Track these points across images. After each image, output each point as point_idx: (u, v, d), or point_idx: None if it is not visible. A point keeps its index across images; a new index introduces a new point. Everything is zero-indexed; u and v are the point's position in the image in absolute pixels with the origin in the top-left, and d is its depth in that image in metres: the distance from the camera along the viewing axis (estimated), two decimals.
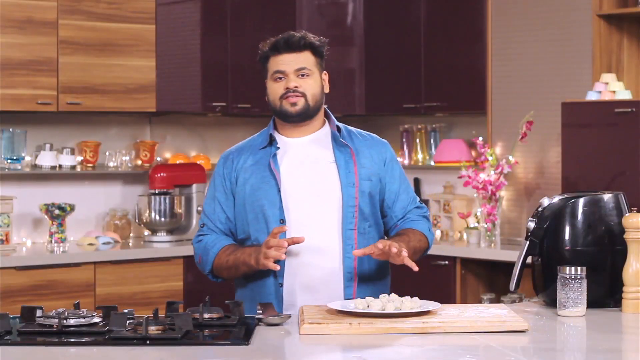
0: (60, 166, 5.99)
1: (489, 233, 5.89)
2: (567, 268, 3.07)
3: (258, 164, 3.29)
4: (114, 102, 5.95)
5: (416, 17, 6.37)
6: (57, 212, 5.90)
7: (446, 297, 5.84)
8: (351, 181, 3.25)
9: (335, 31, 6.56)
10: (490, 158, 5.92)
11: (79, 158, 6.12)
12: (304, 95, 3.25)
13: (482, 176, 5.90)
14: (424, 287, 5.95)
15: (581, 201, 3.26)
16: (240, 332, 2.77)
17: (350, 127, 3.41)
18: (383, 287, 3.34)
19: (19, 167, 5.86)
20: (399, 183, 3.37)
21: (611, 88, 5.38)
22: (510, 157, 5.87)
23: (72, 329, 2.77)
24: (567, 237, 3.24)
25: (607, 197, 3.29)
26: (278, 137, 3.33)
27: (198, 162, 6.40)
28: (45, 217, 5.94)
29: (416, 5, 6.36)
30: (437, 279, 5.94)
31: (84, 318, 2.81)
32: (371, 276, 3.29)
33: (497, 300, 5.85)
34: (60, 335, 2.73)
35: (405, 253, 3.09)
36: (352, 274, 3.23)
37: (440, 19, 6.29)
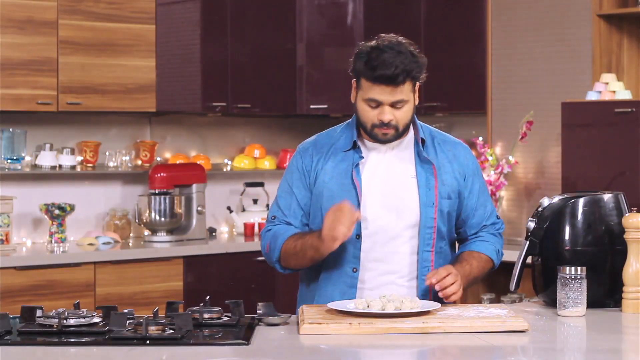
0: (60, 166, 5.99)
1: None
2: (567, 268, 3.07)
3: (339, 168, 3.18)
4: (114, 102, 5.95)
5: (416, 17, 6.36)
6: (57, 212, 5.90)
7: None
8: (431, 201, 3.16)
9: (335, 31, 6.56)
10: (490, 158, 5.92)
11: (79, 158, 6.12)
12: (396, 127, 3.12)
13: None
14: None
15: (581, 201, 3.26)
16: (240, 332, 2.78)
17: (434, 132, 3.28)
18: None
19: (19, 167, 5.86)
20: (476, 197, 3.26)
21: (611, 88, 5.38)
22: (510, 157, 5.87)
23: (72, 329, 2.77)
24: (567, 237, 3.24)
25: (607, 197, 3.29)
26: (361, 143, 3.20)
27: (198, 162, 6.40)
28: (45, 217, 5.94)
29: (416, 5, 6.36)
30: None
31: (84, 318, 2.81)
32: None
33: (497, 300, 5.85)
34: (60, 335, 2.74)
35: (455, 297, 3.04)
36: (427, 297, 3.16)
37: (440, 19, 6.29)
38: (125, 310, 2.90)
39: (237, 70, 6.31)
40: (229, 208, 6.59)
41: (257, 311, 2.95)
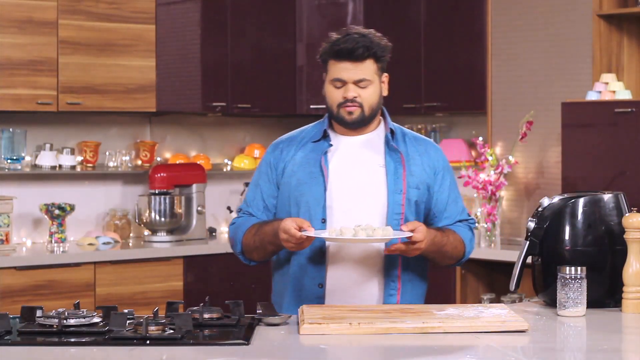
0: (60, 166, 5.99)
1: (489, 233, 5.89)
2: (567, 268, 3.07)
3: (308, 157, 3.27)
4: (114, 102, 5.95)
5: (416, 17, 6.36)
6: (57, 212, 5.90)
7: (446, 297, 5.84)
8: (399, 188, 3.22)
9: (335, 31, 6.55)
10: (490, 158, 5.92)
11: (79, 158, 6.12)
12: (361, 105, 3.22)
13: (482, 176, 5.90)
14: None
15: (581, 201, 3.26)
16: (240, 332, 2.78)
17: (405, 130, 3.36)
18: (421, 294, 3.33)
19: (19, 167, 5.86)
20: (447, 193, 3.32)
21: (611, 88, 5.38)
22: (510, 157, 5.87)
23: (72, 329, 2.77)
24: (567, 237, 3.24)
25: (607, 197, 3.28)
26: (332, 133, 3.30)
27: (198, 162, 6.40)
28: (45, 217, 5.94)
29: (416, 5, 6.36)
30: (437, 279, 5.92)
31: (84, 318, 2.81)
32: (413, 285, 3.28)
33: (497, 300, 5.85)
34: (60, 335, 2.74)
35: (419, 245, 3.09)
36: (395, 282, 3.21)
37: (440, 19, 6.29)
38: (125, 310, 2.90)
39: (237, 70, 6.31)
40: (229, 208, 6.60)
41: (257, 311, 2.95)
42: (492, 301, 5.85)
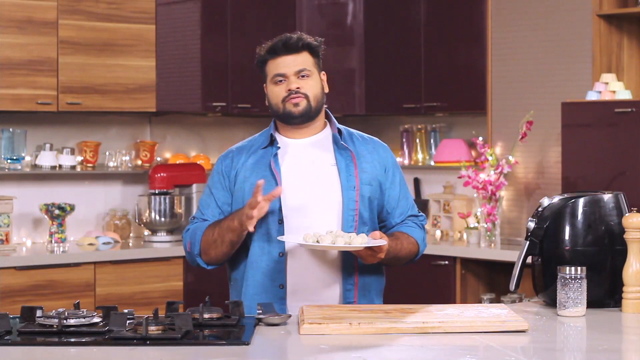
0: (60, 166, 5.99)
1: (489, 233, 5.89)
2: (567, 268, 3.07)
3: (259, 163, 3.28)
4: (114, 102, 5.95)
5: (416, 17, 6.37)
6: (57, 212, 5.90)
7: (446, 297, 5.84)
8: (352, 184, 3.25)
9: (335, 31, 6.56)
10: (490, 158, 5.92)
11: (79, 158, 6.12)
12: (306, 96, 3.25)
13: (482, 176, 5.90)
14: (423, 287, 5.96)
15: (581, 201, 3.26)
16: (240, 332, 2.77)
17: (351, 130, 3.40)
18: (379, 290, 3.34)
19: (19, 167, 5.86)
20: (399, 189, 3.37)
21: (611, 88, 5.38)
22: (510, 157, 5.87)
23: (72, 329, 2.76)
24: (567, 237, 3.24)
25: (607, 197, 3.28)
26: (279, 137, 3.32)
27: (198, 162, 6.40)
28: (45, 217, 5.94)
29: (416, 5, 6.36)
30: (437, 278, 5.94)
31: (84, 318, 2.81)
32: (371, 280, 3.30)
33: (497, 300, 5.85)
34: (60, 335, 2.73)
35: (382, 255, 3.12)
36: (353, 278, 3.23)
37: (440, 19, 6.29)
38: (125, 310, 2.89)
39: (237, 70, 6.31)
40: None
41: (257, 311, 2.95)
42: (492, 301, 5.85)
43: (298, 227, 3.20)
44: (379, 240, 3.09)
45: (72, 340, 2.70)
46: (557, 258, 3.23)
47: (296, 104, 3.24)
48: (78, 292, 5.52)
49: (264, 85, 3.32)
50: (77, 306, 2.92)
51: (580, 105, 5.42)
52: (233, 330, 2.80)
